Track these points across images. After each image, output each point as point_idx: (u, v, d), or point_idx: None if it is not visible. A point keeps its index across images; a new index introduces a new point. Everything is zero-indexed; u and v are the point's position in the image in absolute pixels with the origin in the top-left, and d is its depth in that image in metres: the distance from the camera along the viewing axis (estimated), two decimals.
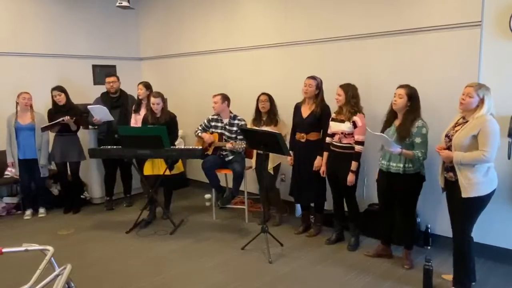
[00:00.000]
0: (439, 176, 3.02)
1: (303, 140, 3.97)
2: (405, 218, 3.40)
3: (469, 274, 2.90)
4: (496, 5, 3.23)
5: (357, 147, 3.60)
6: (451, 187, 2.90)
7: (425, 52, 3.66)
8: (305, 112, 3.96)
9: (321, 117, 3.87)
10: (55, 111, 4.80)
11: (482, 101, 2.72)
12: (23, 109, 4.72)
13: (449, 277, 3.15)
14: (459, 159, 2.74)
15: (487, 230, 3.32)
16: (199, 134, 4.55)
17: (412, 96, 3.18)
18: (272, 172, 4.34)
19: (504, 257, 3.39)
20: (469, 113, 2.79)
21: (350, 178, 3.61)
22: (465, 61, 3.43)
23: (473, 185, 2.74)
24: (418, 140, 3.12)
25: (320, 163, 3.89)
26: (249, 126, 4.39)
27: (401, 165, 3.19)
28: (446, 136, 2.89)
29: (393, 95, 3.23)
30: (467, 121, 2.79)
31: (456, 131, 2.82)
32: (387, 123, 3.32)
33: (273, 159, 4.29)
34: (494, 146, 2.68)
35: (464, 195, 2.77)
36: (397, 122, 3.25)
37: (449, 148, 2.85)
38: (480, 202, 2.79)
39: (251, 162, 4.76)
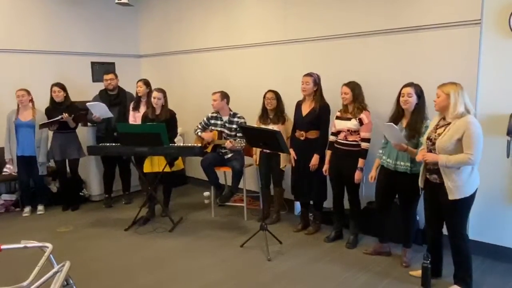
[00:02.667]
0: (420, 177, 3.01)
1: (302, 138, 3.97)
2: (406, 217, 3.41)
3: (469, 270, 2.90)
4: (496, 4, 3.23)
5: (364, 144, 3.60)
6: (435, 190, 2.89)
7: (425, 50, 3.66)
8: (305, 110, 3.96)
9: (320, 115, 3.87)
10: (53, 108, 4.80)
11: (448, 97, 2.71)
12: (22, 106, 4.72)
13: (418, 273, 3.13)
14: (444, 162, 2.73)
15: (485, 229, 3.33)
16: (199, 133, 4.55)
17: (420, 94, 3.18)
18: (284, 169, 4.33)
19: (502, 255, 3.40)
20: (446, 113, 2.77)
21: (358, 175, 3.62)
22: (465, 60, 3.43)
23: (459, 187, 2.74)
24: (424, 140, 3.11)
25: (317, 161, 3.89)
26: (255, 123, 4.38)
27: (409, 164, 3.18)
28: (428, 139, 2.88)
29: (401, 95, 3.20)
30: (449, 123, 2.77)
31: (439, 134, 2.80)
32: (394, 123, 3.25)
33: (286, 157, 4.26)
34: (479, 148, 2.67)
35: (451, 197, 2.77)
36: (404, 121, 3.23)
37: (431, 151, 2.84)
38: (466, 202, 2.80)
39: (250, 159, 4.76)
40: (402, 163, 3.23)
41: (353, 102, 3.61)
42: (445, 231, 2.98)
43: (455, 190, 2.75)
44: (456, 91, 2.71)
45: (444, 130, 2.78)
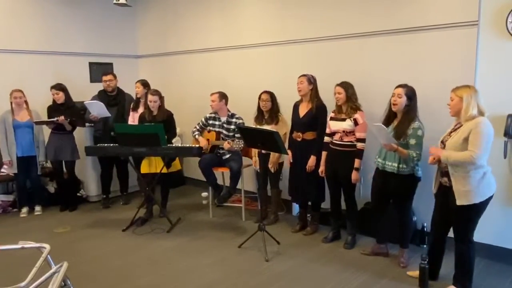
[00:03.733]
0: (434, 181, 2.99)
1: (299, 139, 3.97)
2: (400, 217, 3.41)
3: (470, 275, 2.89)
4: (493, 5, 3.24)
5: (359, 145, 3.61)
6: (446, 193, 2.86)
7: (422, 51, 3.67)
8: (302, 111, 3.97)
9: (316, 116, 3.87)
10: (54, 108, 4.80)
11: (461, 100, 2.70)
12: (17, 107, 4.70)
13: (415, 273, 3.14)
14: (445, 157, 2.69)
15: (483, 229, 3.32)
16: (196, 136, 4.55)
17: (411, 95, 3.19)
18: (272, 169, 4.33)
19: (500, 256, 3.41)
20: (460, 116, 2.75)
21: (355, 176, 3.62)
22: (462, 61, 3.44)
23: (467, 192, 2.68)
24: (412, 141, 3.12)
25: (314, 162, 3.89)
26: (252, 123, 4.39)
27: (396, 165, 3.20)
28: (441, 142, 2.88)
29: (392, 95, 3.23)
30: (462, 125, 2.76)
31: (451, 137, 2.79)
32: (387, 123, 3.30)
33: (273, 158, 4.27)
34: (484, 148, 2.59)
35: (458, 202, 2.72)
36: (396, 121, 3.25)
37: None
38: (475, 209, 2.73)
39: (249, 160, 4.76)
40: (389, 163, 3.24)
41: (347, 102, 3.63)
42: (450, 233, 2.98)
43: (463, 195, 2.69)
44: (469, 94, 2.68)
45: (455, 133, 2.77)
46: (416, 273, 3.13)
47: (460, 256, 2.90)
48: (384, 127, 3.10)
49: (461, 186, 2.70)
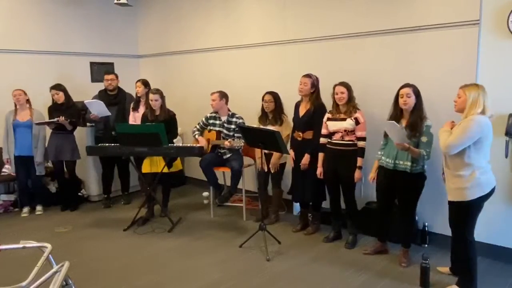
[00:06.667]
0: (443, 175, 3.05)
1: (299, 139, 3.97)
2: (405, 217, 3.41)
3: (471, 275, 2.87)
4: (494, 4, 3.24)
5: (361, 143, 3.60)
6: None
7: (423, 51, 3.67)
8: (302, 110, 3.97)
9: (313, 115, 3.87)
10: (54, 108, 4.80)
11: (468, 98, 2.72)
12: (19, 106, 4.71)
13: (445, 269, 3.19)
14: (441, 131, 2.82)
15: (485, 229, 3.33)
16: (196, 136, 4.55)
17: (417, 93, 3.20)
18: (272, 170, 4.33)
19: (501, 255, 3.40)
20: (464, 113, 2.78)
21: (358, 174, 3.62)
22: (463, 60, 3.43)
23: (456, 189, 2.77)
24: (424, 139, 3.13)
25: (307, 161, 3.88)
26: (253, 123, 4.38)
27: (409, 164, 3.18)
28: None
29: (399, 96, 3.21)
30: None
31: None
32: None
33: (275, 159, 4.27)
34: (461, 139, 2.65)
35: (449, 198, 2.83)
36: (404, 121, 3.24)
37: None
38: (466, 207, 2.77)
39: (250, 160, 4.76)
40: (401, 162, 3.23)
41: (348, 102, 3.62)
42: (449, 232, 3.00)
43: (453, 192, 2.79)
44: (477, 93, 2.71)
45: None
46: (445, 269, 3.19)
47: (458, 255, 2.93)
48: (398, 125, 3.08)
49: (452, 184, 2.81)
